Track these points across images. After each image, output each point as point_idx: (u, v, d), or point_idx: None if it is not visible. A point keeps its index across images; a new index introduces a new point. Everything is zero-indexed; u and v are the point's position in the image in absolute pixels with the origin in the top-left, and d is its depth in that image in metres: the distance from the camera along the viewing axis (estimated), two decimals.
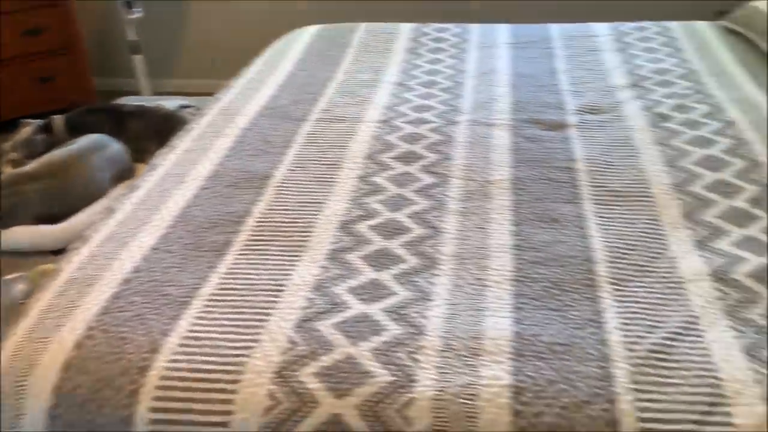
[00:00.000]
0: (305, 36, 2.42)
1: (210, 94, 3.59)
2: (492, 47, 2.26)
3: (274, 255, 1.24)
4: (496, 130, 1.69)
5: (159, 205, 1.41)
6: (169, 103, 2.20)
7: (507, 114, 1.77)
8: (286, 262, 1.22)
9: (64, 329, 1.08)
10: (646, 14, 2.80)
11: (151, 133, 1.97)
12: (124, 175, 1.87)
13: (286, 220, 1.35)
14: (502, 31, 2.40)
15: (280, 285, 1.16)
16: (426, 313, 1.09)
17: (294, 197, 1.43)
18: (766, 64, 1.98)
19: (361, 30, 2.46)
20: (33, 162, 1.75)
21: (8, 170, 1.90)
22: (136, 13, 3.16)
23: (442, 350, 1.01)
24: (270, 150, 1.63)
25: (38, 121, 1.97)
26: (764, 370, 0.95)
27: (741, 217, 1.30)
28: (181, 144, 1.68)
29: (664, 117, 1.70)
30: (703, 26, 2.36)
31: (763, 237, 1.23)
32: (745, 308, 1.07)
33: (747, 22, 2.20)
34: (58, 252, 1.60)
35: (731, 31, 2.28)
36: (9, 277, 1.47)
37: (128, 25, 3.21)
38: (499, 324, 1.06)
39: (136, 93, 3.76)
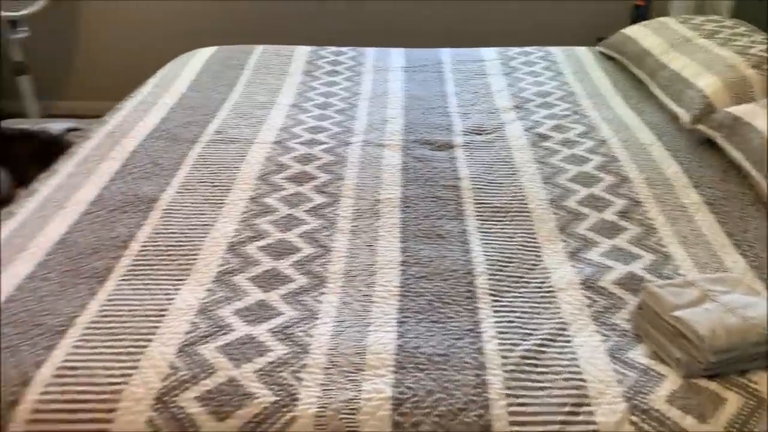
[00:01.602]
0: (200, 57, 2.40)
1: (102, 115, 3.48)
2: (386, 70, 2.32)
3: (158, 279, 1.22)
4: (387, 150, 1.74)
5: (36, 232, 1.35)
6: (56, 126, 2.11)
7: (398, 135, 1.82)
8: (170, 287, 1.20)
9: None
10: (534, 40, 2.96)
11: (34, 158, 1.88)
12: (3, 201, 1.77)
13: (173, 243, 1.33)
14: (396, 55, 2.47)
15: (163, 310, 1.14)
16: (312, 332, 1.10)
17: (181, 220, 1.41)
18: (635, 86, 2.15)
19: (258, 52, 2.47)
20: None
21: None
22: (21, 33, 3.02)
23: (327, 367, 1.03)
24: (158, 173, 1.60)
25: None
26: (625, 371, 1.02)
27: (609, 229, 1.39)
28: (64, 168, 1.62)
29: (544, 137, 1.80)
30: (582, 51, 2.52)
31: (629, 247, 1.33)
32: (610, 314, 1.15)
33: (619, 48, 2.38)
34: None
35: (608, 56, 2.45)
36: None
37: (12, 45, 3.06)
38: (383, 338, 1.09)
39: (22, 115, 3.58)
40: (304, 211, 1.46)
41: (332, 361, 1.04)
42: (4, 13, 2.89)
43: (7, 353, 1.04)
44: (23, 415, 0.94)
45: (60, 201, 1.47)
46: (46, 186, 1.54)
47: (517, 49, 2.53)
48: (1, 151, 1.89)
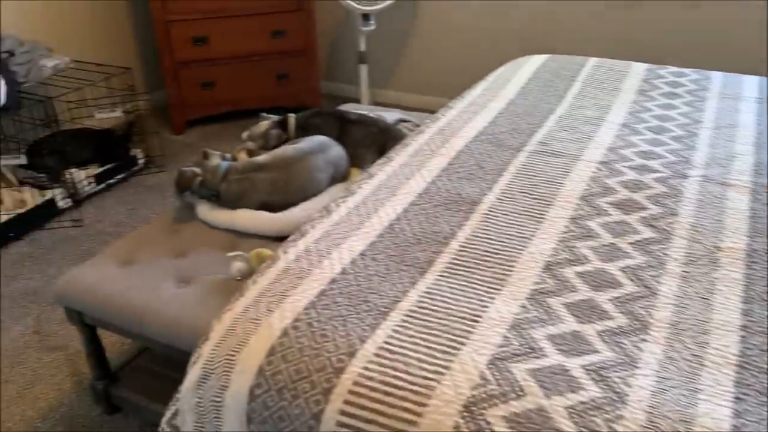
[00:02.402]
0: (531, 64, 2.39)
1: (424, 109, 3.71)
2: (736, 99, 2.05)
3: (474, 283, 1.23)
4: (732, 191, 1.53)
5: (371, 214, 1.47)
6: (389, 116, 2.29)
7: (747, 176, 1.59)
8: (485, 294, 1.20)
9: (274, 315, 1.16)
10: None
11: (369, 142, 2.06)
12: (340, 177, 1.97)
13: (490, 249, 1.33)
14: (750, 83, 2.17)
15: (477, 316, 1.14)
16: (630, 381, 1.00)
17: (500, 227, 1.41)
18: None
19: (590, 64, 2.37)
20: (265, 154, 1.92)
21: (242, 156, 2.10)
22: (370, 26, 3.35)
23: (646, 427, 0.92)
24: (482, 176, 1.62)
25: (275, 117, 2.16)
26: None
27: None
28: (398, 158, 1.74)
29: None
30: None
31: None
32: None
33: None
34: (274, 238, 1.74)
35: None
36: (230, 254, 1.62)
37: (360, 36, 3.42)
38: (714, 412, 0.95)
39: (356, 100, 3.99)
40: (629, 243, 1.35)
41: (652, 421, 0.93)
42: (360, 7, 3.23)
43: (338, 322, 1.13)
44: (346, 384, 1.02)
45: (392, 188, 1.57)
46: (383, 172, 1.66)
47: None
48: (342, 132, 2.10)
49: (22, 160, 2.61)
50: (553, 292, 1.21)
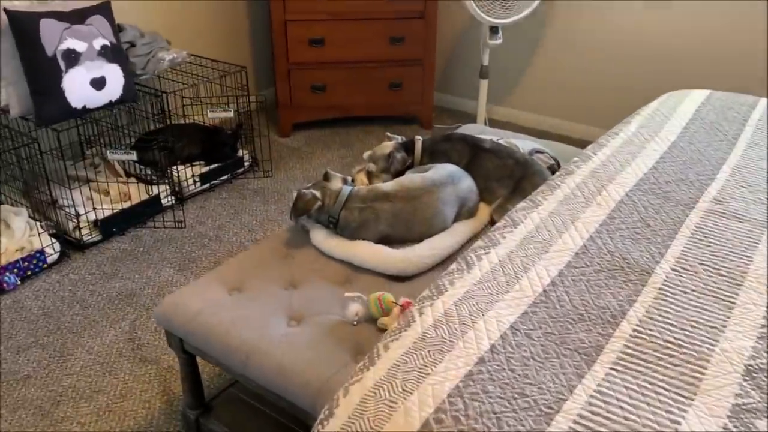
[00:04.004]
0: (691, 101, 2.10)
1: (537, 129, 3.45)
2: None
3: (658, 386, 0.99)
4: None
5: (520, 274, 1.25)
6: (522, 144, 2.06)
7: None
8: (673, 403, 0.96)
9: (412, 399, 0.97)
10: None
11: (502, 175, 1.84)
12: (467, 212, 1.77)
13: (672, 340, 1.09)
14: None
15: None
16: None
17: (681, 310, 1.16)
18: None
19: (762, 106, 2.06)
20: (390, 181, 1.74)
21: (361, 178, 1.93)
22: (497, 40, 3.13)
23: None
24: (649, 237, 1.37)
25: (400, 138, 1.98)
26: None
27: None
28: (545, 203, 1.51)
29: None
30: None
31: None
32: None
33: None
34: (392, 276, 1.56)
35: None
36: (348, 294, 1.45)
37: (485, 49, 3.19)
38: None
39: (467, 114, 3.77)
40: None
41: None
42: (491, 19, 3.01)
43: (491, 420, 0.93)
44: None
45: (543, 243, 1.35)
46: (528, 219, 1.44)
47: None
48: (473, 161, 1.88)
49: (133, 156, 2.55)
50: (760, 411, 0.96)
